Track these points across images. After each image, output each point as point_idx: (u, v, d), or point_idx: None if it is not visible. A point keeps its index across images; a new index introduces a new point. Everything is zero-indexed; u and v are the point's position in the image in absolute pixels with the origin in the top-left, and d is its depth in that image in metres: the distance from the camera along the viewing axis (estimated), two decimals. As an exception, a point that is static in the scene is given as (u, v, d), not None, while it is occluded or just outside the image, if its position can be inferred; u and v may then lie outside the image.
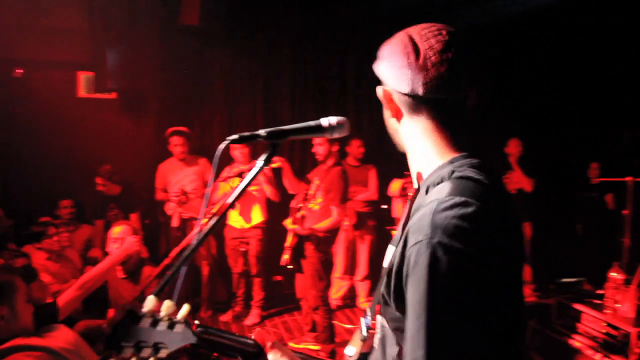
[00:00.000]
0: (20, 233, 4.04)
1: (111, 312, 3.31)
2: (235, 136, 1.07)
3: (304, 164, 5.77)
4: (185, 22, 4.73)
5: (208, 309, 5.12)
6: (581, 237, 5.64)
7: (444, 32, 0.97)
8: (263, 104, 5.85)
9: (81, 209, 4.96)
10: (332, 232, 4.14)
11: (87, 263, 4.37)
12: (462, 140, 1.01)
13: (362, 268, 5.49)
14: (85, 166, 4.98)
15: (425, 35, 0.97)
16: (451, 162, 0.97)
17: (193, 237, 1.05)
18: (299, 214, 4.03)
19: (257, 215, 4.89)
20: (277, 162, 4.13)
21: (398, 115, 1.04)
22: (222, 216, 1.06)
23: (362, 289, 5.51)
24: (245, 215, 4.87)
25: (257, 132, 1.07)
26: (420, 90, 0.95)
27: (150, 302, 0.94)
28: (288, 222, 4.10)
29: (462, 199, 0.86)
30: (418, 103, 0.99)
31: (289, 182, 4.27)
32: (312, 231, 3.96)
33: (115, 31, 4.59)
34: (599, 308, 3.30)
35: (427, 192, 0.94)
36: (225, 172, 4.61)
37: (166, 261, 3.30)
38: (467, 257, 0.82)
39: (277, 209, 4.79)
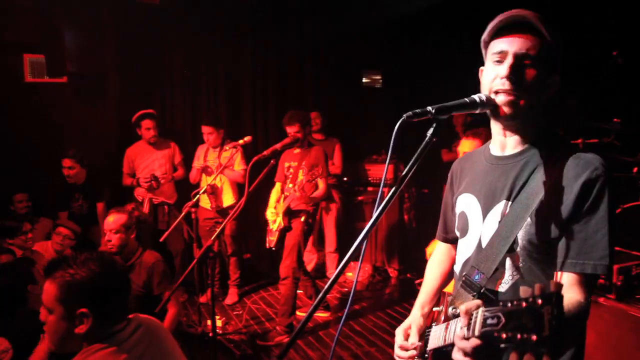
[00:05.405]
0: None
1: None
2: (409, 113, 1.12)
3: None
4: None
5: (184, 292, 5.07)
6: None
7: None
8: (224, 84, 5.72)
9: (39, 202, 4.65)
10: (317, 205, 4.36)
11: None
12: None
13: (330, 241, 5.67)
14: (40, 156, 4.65)
15: None
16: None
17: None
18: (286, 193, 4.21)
19: (229, 198, 4.90)
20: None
21: None
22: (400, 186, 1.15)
23: (331, 261, 5.70)
24: (218, 197, 4.85)
25: (426, 109, 1.14)
26: None
27: None
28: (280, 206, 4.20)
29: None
30: None
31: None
32: (305, 200, 4.12)
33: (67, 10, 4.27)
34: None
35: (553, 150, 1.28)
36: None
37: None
38: None
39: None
